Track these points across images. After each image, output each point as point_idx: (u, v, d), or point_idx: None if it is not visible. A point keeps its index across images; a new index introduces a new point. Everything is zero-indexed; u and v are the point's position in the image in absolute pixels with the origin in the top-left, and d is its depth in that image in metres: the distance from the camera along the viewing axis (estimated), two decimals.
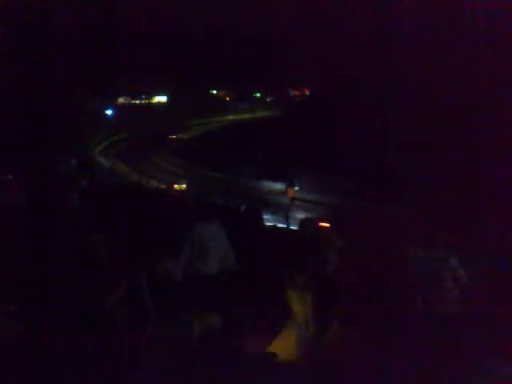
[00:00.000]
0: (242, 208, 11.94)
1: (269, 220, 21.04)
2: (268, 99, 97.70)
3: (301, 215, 21.35)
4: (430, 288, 6.83)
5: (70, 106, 58.38)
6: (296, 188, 26.38)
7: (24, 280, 6.34)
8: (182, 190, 45.47)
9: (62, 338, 5.34)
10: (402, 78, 46.17)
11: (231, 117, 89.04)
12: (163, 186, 36.15)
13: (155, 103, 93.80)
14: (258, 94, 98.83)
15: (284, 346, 6.53)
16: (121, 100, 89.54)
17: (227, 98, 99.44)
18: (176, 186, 42.49)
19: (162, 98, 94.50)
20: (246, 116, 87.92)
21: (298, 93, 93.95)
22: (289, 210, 24.12)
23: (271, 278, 7.67)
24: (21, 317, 5.64)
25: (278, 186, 32.80)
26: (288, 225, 21.72)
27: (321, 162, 38.28)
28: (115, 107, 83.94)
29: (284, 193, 26.33)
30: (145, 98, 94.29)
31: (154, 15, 79.51)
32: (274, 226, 20.01)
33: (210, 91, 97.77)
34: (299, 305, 7.15)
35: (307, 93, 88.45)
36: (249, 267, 7.77)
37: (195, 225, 7.65)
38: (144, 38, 77.39)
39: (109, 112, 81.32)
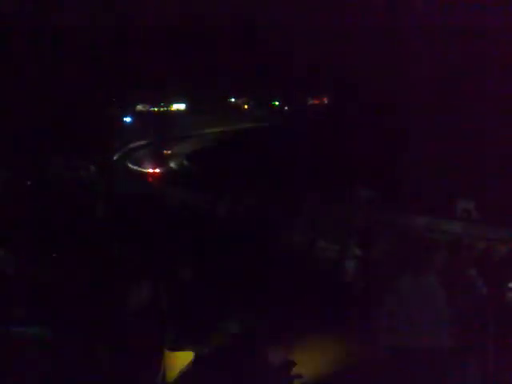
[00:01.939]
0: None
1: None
2: (286, 107, 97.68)
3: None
4: (416, 318, 5.82)
5: (89, 113, 58.89)
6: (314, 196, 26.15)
7: (39, 285, 6.30)
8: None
9: (73, 343, 5.29)
10: (417, 85, 46.05)
11: (248, 125, 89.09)
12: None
13: (173, 111, 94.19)
14: (277, 103, 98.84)
15: (305, 354, 6.40)
16: (139, 107, 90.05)
17: (245, 106, 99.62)
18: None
19: (181, 106, 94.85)
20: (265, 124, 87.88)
21: (316, 101, 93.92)
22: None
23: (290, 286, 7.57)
24: (34, 322, 5.60)
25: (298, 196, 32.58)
26: None
27: (341, 172, 38.10)
28: (134, 114, 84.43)
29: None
30: (163, 106, 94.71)
31: (175, 23, 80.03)
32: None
33: (229, 99, 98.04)
34: None
35: (325, 101, 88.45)
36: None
37: (399, 278, 6.03)
38: (163, 46, 77.93)
39: (128, 119, 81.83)
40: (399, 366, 5.63)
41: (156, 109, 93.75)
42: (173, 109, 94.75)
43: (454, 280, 6.40)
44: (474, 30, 42.61)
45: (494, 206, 25.24)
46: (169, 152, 68.19)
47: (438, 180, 33.10)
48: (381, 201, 30.84)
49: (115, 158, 61.80)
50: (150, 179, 47.27)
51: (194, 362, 5.34)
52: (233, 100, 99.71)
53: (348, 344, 7.40)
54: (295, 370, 6.03)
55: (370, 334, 6.18)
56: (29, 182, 12.96)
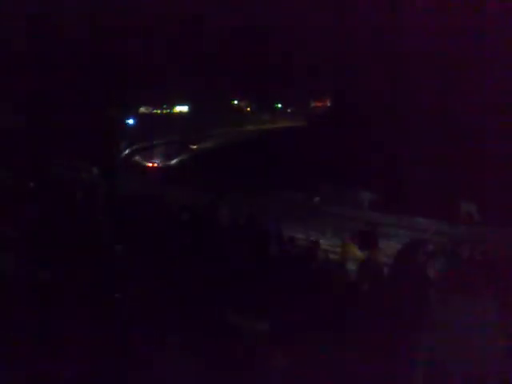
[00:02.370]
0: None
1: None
2: (289, 110, 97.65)
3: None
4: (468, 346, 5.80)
5: (91, 115, 58.96)
6: (316, 199, 26.22)
7: (39, 286, 6.28)
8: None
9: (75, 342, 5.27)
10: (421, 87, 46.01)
11: (251, 127, 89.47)
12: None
13: (176, 113, 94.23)
14: (279, 105, 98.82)
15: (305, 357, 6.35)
16: (142, 109, 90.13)
17: (248, 109, 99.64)
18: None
19: (184, 108, 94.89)
20: (267, 126, 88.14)
21: (319, 104, 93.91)
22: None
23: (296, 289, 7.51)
24: (34, 321, 5.58)
25: (299, 197, 32.54)
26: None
27: (343, 174, 38.12)
28: (137, 116, 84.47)
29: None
30: (166, 108, 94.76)
31: (177, 25, 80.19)
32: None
33: (231, 101, 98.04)
34: None
35: (328, 104, 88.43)
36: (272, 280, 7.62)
37: (442, 302, 5.40)
38: (166, 48, 78.02)
39: (130, 121, 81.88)
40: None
41: (159, 111, 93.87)
42: (176, 111, 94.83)
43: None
44: (475, 30, 42.58)
45: (497, 208, 25.17)
46: (195, 147, 70.25)
47: (441, 182, 33.08)
48: (383, 203, 30.82)
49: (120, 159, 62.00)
50: (148, 171, 51.36)
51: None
52: (235, 102, 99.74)
53: (350, 348, 7.35)
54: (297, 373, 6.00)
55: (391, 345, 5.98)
56: (31, 184, 12.91)
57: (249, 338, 6.15)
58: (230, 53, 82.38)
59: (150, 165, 59.20)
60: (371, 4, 59.81)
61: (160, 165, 60.52)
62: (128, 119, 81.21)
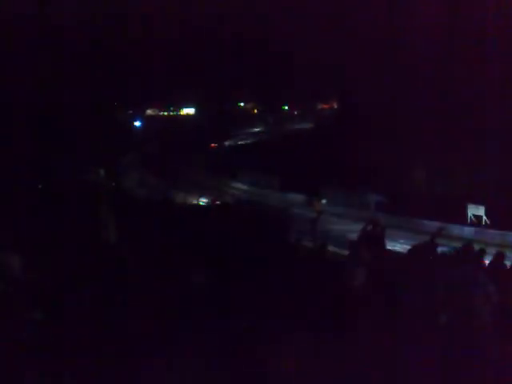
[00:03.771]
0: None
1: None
2: (295, 112, 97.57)
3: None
4: (456, 303, 6.52)
5: (99, 117, 59.21)
6: (323, 201, 26.22)
7: (48, 287, 6.31)
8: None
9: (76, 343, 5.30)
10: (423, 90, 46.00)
11: (258, 129, 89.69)
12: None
13: (183, 115, 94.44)
14: (286, 107, 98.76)
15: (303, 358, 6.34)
16: (149, 112, 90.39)
17: (255, 111, 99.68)
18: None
19: (190, 110, 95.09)
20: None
21: (325, 106, 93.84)
22: (315, 223, 23.85)
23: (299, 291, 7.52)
24: (46, 324, 5.61)
25: (302, 198, 32.56)
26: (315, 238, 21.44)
27: (347, 176, 38.07)
28: (143, 119, 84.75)
29: (309, 205, 26.15)
30: (173, 110, 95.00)
31: (185, 29, 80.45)
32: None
33: (238, 104, 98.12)
34: None
35: (335, 106, 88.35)
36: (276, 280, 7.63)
37: None
38: (173, 51, 78.22)
39: (137, 123, 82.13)
40: None
41: (166, 113, 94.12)
42: (182, 113, 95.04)
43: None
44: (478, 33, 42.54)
45: (505, 211, 25.06)
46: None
47: (449, 185, 32.98)
48: (389, 205, 30.74)
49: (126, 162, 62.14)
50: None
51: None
52: (242, 105, 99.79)
53: (354, 352, 7.33)
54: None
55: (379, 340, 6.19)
56: (40, 186, 13.00)
57: (253, 340, 6.16)
58: (237, 55, 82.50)
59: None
60: (376, 4, 59.86)
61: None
62: (135, 121, 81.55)
